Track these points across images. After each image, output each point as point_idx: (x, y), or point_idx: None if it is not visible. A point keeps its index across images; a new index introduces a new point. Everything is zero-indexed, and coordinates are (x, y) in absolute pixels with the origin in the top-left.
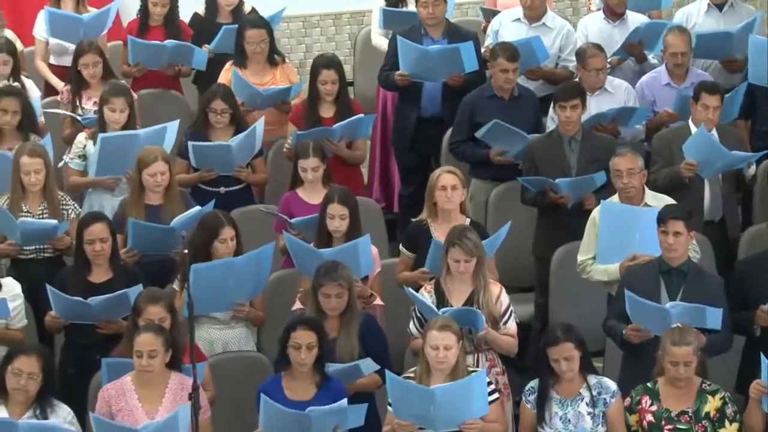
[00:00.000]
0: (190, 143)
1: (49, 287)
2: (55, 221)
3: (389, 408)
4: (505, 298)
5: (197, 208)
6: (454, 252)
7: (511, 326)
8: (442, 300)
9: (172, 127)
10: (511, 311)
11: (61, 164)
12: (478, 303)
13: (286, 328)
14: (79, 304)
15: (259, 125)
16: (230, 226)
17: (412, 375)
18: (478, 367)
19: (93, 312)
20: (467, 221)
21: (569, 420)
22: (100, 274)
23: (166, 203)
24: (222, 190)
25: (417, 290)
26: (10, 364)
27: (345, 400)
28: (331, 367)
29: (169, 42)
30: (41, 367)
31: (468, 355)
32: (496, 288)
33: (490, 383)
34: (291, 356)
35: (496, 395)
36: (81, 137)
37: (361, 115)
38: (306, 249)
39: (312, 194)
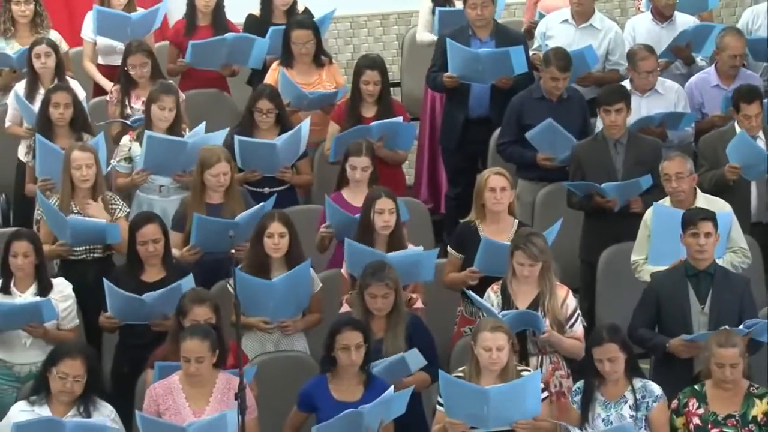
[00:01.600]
0: (236, 137)
1: (106, 282)
2: (104, 221)
3: (438, 407)
4: (571, 302)
5: (260, 205)
6: (519, 255)
7: (578, 329)
8: (507, 301)
9: (218, 137)
10: (578, 314)
11: (109, 168)
12: (544, 306)
13: (330, 332)
14: (133, 301)
15: (305, 126)
16: (280, 223)
17: (461, 374)
18: (541, 370)
19: (147, 309)
20: (515, 222)
21: (611, 422)
22: (153, 274)
23: (226, 202)
24: (266, 190)
25: (466, 290)
26: (55, 366)
27: (392, 389)
28: (378, 365)
29: (229, 35)
30: (86, 368)
31: (532, 357)
32: (562, 291)
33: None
34: (340, 358)
35: (545, 393)
36: (125, 140)
37: (399, 118)
38: (366, 252)
39: (357, 196)
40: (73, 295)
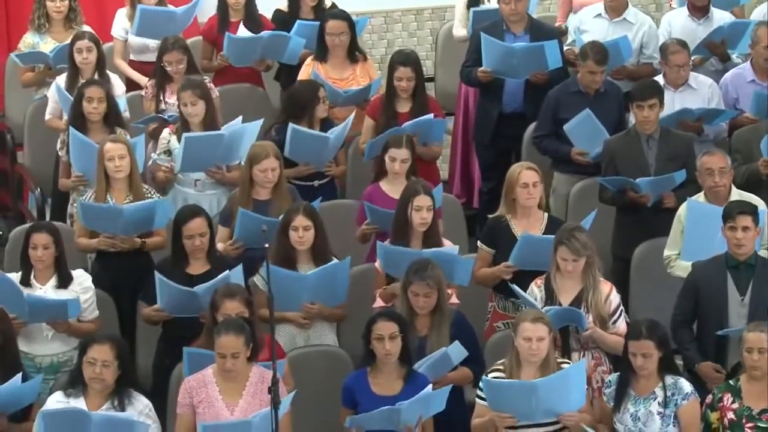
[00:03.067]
0: (291, 126)
1: (157, 275)
2: (152, 203)
3: (479, 401)
4: (615, 297)
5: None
6: (562, 251)
7: (621, 325)
8: (551, 296)
9: (254, 127)
10: (621, 311)
11: (150, 162)
12: (587, 302)
13: (367, 323)
14: (185, 293)
15: (350, 121)
16: (305, 216)
17: (500, 367)
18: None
19: (198, 301)
20: (545, 216)
21: (639, 418)
22: (197, 267)
23: (274, 198)
24: (315, 183)
25: (498, 285)
26: (85, 354)
27: (430, 386)
28: (423, 363)
29: (265, 33)
30: (115, 354)
31: (574, 353)
32: (606, 287)
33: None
34: (376, 349)
35: (584, 386)
36: (165, 133)
37: (431, 116)
38: (399, 252)
39: (395, 187)
40: (93, 287)
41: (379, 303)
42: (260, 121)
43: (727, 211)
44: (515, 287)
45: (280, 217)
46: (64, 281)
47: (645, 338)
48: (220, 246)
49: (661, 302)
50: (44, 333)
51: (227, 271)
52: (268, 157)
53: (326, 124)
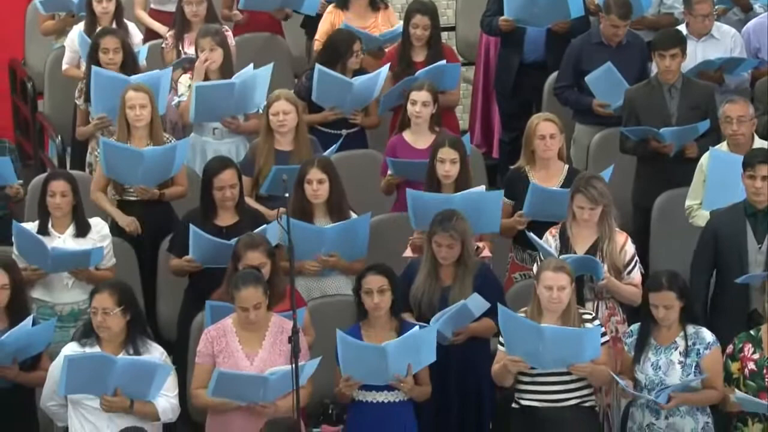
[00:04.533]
0: (317, 67)
1: (192, 227)
2: (173, 145)
3: (500, 347)
4: (630, 248)
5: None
6: (579, 199)
7: (635, 276)
8: (566, 246)
9: (265, 72)
10: (636, 261)
11: (174, 102)
12: (602, 251)
13: (357, 277)
14: (219, 245)
15: (384, 71)
16: (319, 169)
17: (523, 315)
18: (597, 315)
19: (230, 252)
20: (565, 167)
21: (660, 367)
22: (226, 218)
23: (296, 149)
24: (343, 132)
25: (516, 236)
26: (91, 304)
27: (416, 328)
28: (442, 315)
29: None
30: (115, 301)
31: (588, 303)
32: (621, 237)
33: (604, 332)
34: (365, 302)
35: (606, 338)
36: (184, 78)
37: (443, 62)
38: (427, 197)
39: (418, 138)
40: (110, 234)
41: (408, 252)
42: (270, 66)
43: (747, 160)
44: (532, 235)
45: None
46: (82, 229)
47: (666, 290)
48: (173, 262)
49: (682, 252)
50: (64, 281)
51: (264, 226)
52: (279, 99)
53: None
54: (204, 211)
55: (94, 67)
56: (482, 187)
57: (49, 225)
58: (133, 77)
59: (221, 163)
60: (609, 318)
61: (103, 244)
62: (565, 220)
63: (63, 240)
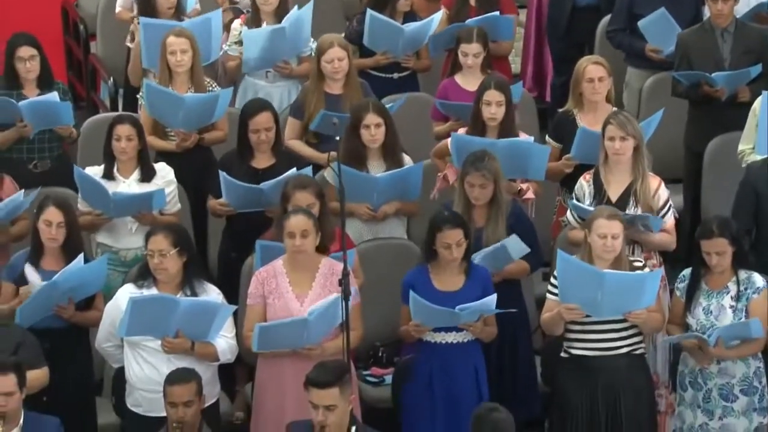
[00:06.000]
0: (368, 11)
1: (222, 174)
2: (215, 94)
3: (549, 296)
4: (663, 192)
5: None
6: (610, 129)
7: (669, 221)
8: (599, 190)
9: (307, 10)
10: (670, 205)
11: (221, 53)
12: (635, 194)
13: (431, 227)
14: (251, 190)
15: (436, 17)
16: (375, 113)
17: (575, 259)
18: (633, 255)
19: (264, 197)
20: (613, 111)
21: (711, 312)
22: (263, 160)
23: (346, 92)
24: (395, 75)
25: (564, 180)
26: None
27: (494, 297)
28: (479, 255)
29: None
30: (170, 243)
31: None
32: (654, 181)
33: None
34: (442, 254)
35: (656, 291)
36: (236, 24)
37: (496, 13)
38: (468, 140)
39: (470, 80)
40: (175, 180)
41: (436, 191)
42: (311, 3)
43: None
44: (574, 202)
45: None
46: (148, 174)
47: (717, 236)
48: (210, 203)
49: (733, 197)
50: (128, 226)
51: (295, 170)
52: (333, 46)
53: (408, 18)
54: (240, 153)
55: (142, 19)
56: (531, 138)
57: (115, 169)
58: (184, 23)
59: (257, 105)
60: (645, 261)
61: (169, 189)
62: (598, 164)
63: (128, 184)
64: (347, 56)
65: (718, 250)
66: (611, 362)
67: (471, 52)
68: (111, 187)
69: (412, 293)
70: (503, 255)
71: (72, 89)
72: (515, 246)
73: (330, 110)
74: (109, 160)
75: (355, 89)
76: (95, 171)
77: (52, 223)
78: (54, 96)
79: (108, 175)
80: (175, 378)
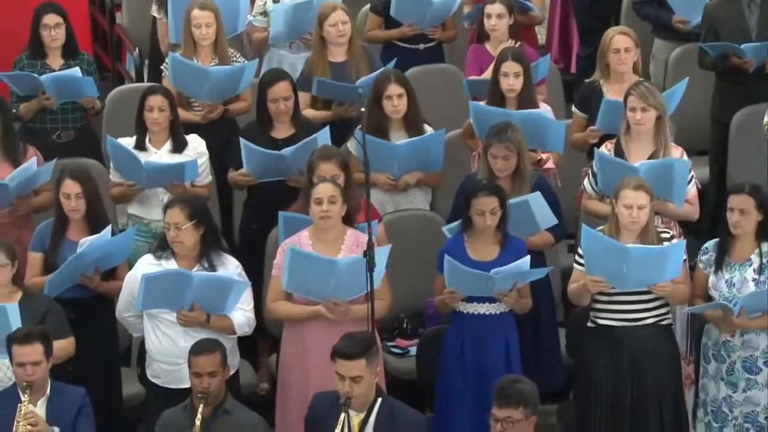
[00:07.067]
0: None
1: (242, 140)
2: (241, 67)
3: (576, 266)
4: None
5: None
6: (631, 100)
7: (691, 191)
8: (621, 159)
9: None
10: (692, 176)
11: (246, 23)
12: None
13: (466, 195)
14: (271, 157)
15: None
16: (398, 84)
17: (600, 233)
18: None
19: (284, 165)
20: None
21: (734, 284)
22: (282, 130)
23: (350, 59)
24: (421, 47)
25: (590, 150)
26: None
27: (527, 259)
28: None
29: None
30: (186, 216)
31: None
32: (677, 151)
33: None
34: (475, 222)
35: (684, 256)
36: None
37: None
38: (487, 111)
39: (499, 47)
40: (207, 151)
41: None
42: None
43: None
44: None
45: (358, 82)
46: (179, 145)
47: (746, 193)
48: (230, 174)
49: (761, 168)
50: (160, 197)
51: (314, 136)
52: (335, 10)
53: None
54: (260, 123)
55: None
56: (549, 109)
57: (147, 140)
58: None
59: (275, 75)
60: (671, 234)
61: (201, 160)
62: (619, 133)
63: (159, 155)
64: (349, 20)
65: (742, 208)
66: (637, 332)
67: (494, 13)
68: (143, 158)
69: (446, 257)
70: (526, 215)
71: (97, 60)
72: (538, 203)
73: (336, 79)
74: (140, 131)
75: (359, 55)
76: (127, 142)
77: (70, 196)
78: (76, 71)
79: (140, 145)
80: (199, 348)
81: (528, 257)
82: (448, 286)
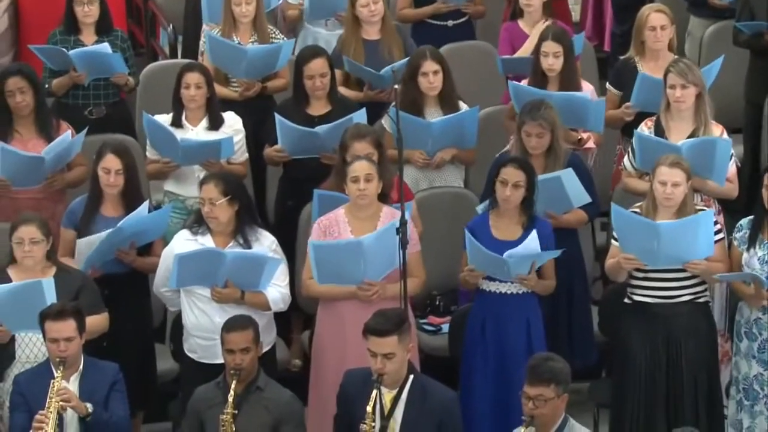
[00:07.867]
0: None
1: (278, 116)
2: (278, 46)
3: (614, 242)
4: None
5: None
6: (671, 77)
7: (731, 169)
8: (661, 137)
9: None
10: (732, 154)
11: (281, 1)
12: None
13: (497, 164)
14: (306, 134)
15: None
16: (433, 60)
17: (638, 210)
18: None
19: (319, 142)
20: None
21: (766, 261)
22: (319, 107)
23: (383, 37)
24: (450, 23)
25: (624, 127)
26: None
27: (536, 239)
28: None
29: None
30: (221, 191)
31: None
32: (717, 129)
33: (716, 223)
34: (498, 191)
35: (721, 235)
36: None
37: None
38: (526, 90)
39: (533, 25)
40: (243, 129)
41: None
42: None
43: None
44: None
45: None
46: (216, 122)
47: None
48: (266, 150)
49: None
50: (195, 174)
51: (350, 116)
52: None
53: None
54: (296, 100)
55: None
56: (588, 93)
57: (183, 117)
58: None
59: (311, 51)
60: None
61: (237, 138)
62: (659, 111)
63: (196, 132)
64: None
65: None
66: (673, 309)
67: None
68: (179, 135)
69: (467, 235)
70: (559, 191)
71: (131, 37)
72: (571, 180)
73: (369, 56)
74: (177, 107)
75: (391, 33)
76: (164, 119)
77: (110, 171)
78: (105, 47)
79: (176, 122)
80: (232, 325)
81: (537, 239)
82: (469, 263)
